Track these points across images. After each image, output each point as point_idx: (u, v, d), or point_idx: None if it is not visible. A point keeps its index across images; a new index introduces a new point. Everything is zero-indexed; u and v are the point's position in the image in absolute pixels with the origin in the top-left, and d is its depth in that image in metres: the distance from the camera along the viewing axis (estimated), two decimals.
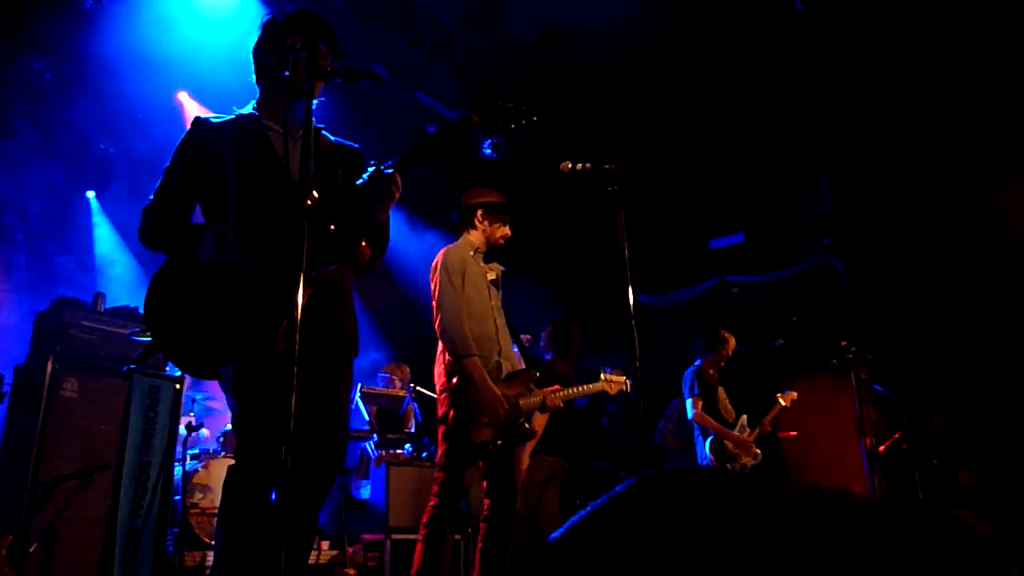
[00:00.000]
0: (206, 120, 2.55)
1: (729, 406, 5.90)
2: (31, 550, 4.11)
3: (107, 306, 5.06)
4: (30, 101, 6.64)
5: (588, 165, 3.17)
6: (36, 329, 4.93)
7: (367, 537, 5.53)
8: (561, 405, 3.97)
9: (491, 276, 3.98)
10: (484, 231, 3.97)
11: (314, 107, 2.16)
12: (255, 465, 2.25)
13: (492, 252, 4.04)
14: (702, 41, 7.25)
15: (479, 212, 3.98)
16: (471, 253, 3.91)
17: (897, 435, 6.23)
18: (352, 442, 6.14)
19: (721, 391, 5.91)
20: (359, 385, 6.28)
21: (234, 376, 2.31)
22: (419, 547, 3.56)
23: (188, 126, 2.53)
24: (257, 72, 2.61)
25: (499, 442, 3.61)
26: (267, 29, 2.58)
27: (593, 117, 7.85)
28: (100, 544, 4.48)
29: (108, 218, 7.39)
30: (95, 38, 6.23)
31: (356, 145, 2.76)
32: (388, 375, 6.84)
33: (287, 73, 2.40)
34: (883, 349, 6.08)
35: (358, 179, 2.43)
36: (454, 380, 3.64)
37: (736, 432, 5.73)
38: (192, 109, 7.01)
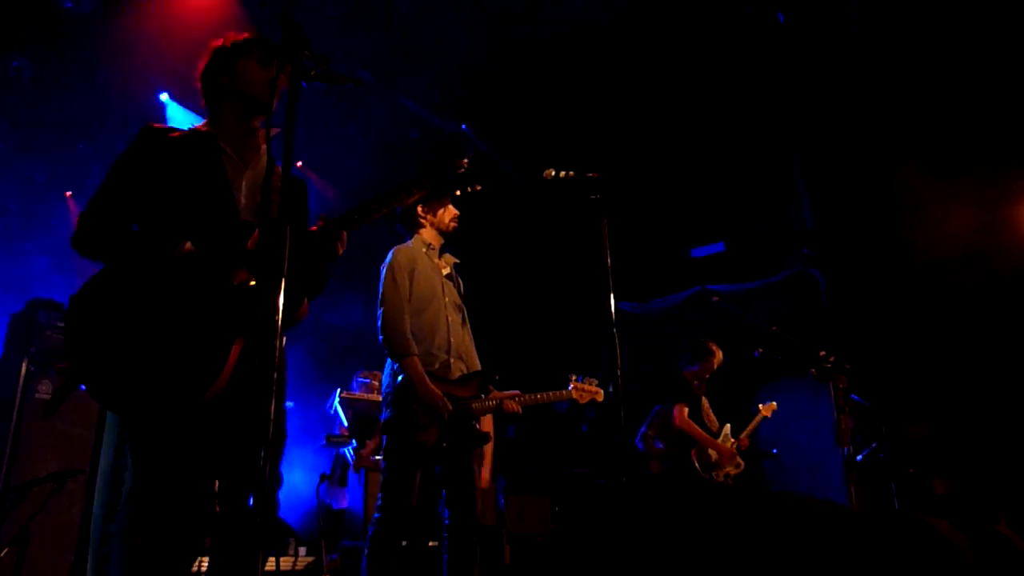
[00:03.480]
0: (158, 131, 2.39)
1: (712, 416, 5.93)
2: (2, 554, 4.06)
3: None
4: (9, 99, 6.57)
5: (571, 173, 3.17)
6: (10, 330, 4.88)
7: (346, 544, 5.48)
8: (520, 411, 3.76)
9: (446, 271, 3.88)
10: (432, 223, 3.88)
11: (273, 135, 2.09)
12: (164, 524, 2.10)
13: (449, 241, 3.94)
14: (686, 51, 7.31)
15: (419, 208, 3.87)
16: (423, 250, 3.81)
17: (874, 445, 6.28)
18: (331, 447, 6.10)
19: (704, 401, 5.94)
20: (337, 391, 6.23)
21: (145, 426, 2.17)
22: (364, 563, 3.43)
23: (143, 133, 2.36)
24: (208, 94, 2.51)
25: (444, 444, 3.48)
26: (219, 52, 2.50)
27: (576, 125, 7.87)
28: (73, 548, 4.43)
29: None
30: (75, 37, 6.18)
31: (301, 176, 2.72)
32: (367, 380, 6.78)
33: (245, 92, 2.38)
34: (861, 359, 6.13)
35: (302, 212, 2.44)
36: (398, 380, 3.51)
37: (719, 441, 5.76)
38: (174, 110, 6.97)
